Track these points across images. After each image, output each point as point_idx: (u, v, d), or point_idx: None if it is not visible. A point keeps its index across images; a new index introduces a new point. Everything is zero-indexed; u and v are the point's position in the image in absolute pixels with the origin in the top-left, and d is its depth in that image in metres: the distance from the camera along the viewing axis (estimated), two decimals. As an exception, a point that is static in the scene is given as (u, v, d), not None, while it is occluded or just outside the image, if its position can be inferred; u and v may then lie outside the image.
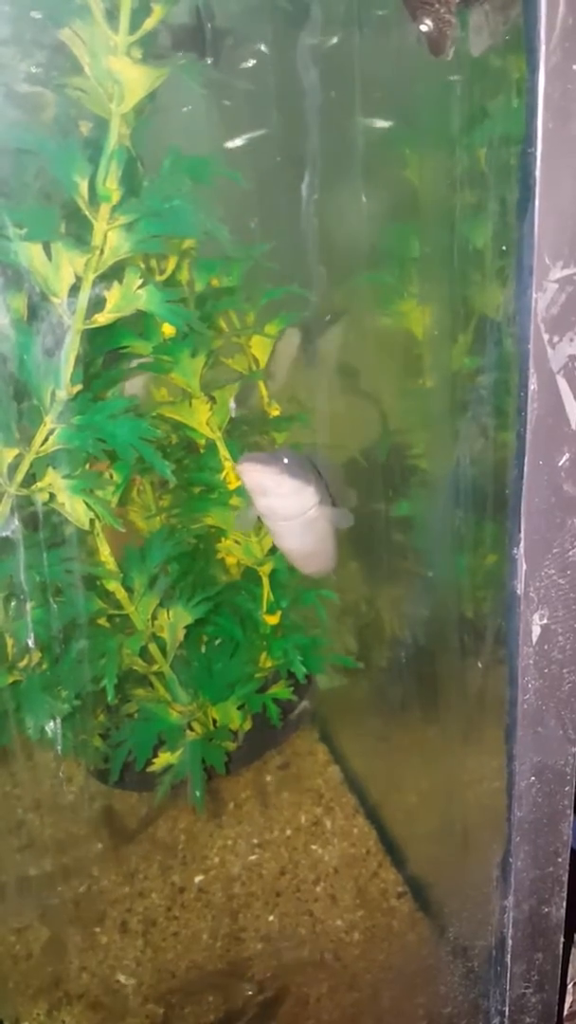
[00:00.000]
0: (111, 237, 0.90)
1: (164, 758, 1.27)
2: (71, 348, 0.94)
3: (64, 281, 0.90)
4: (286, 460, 1.18)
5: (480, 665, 1.33)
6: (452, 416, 1.42)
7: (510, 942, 1.21)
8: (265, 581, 1.34)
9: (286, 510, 1.21)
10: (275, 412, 1.44)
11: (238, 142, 1.42)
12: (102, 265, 0.92)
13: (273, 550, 1.33)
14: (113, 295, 0.93)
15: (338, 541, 1.38)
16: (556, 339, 0.89)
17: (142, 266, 0.96)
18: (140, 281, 0.93)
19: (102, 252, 0.91)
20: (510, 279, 0.95)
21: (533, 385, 0.90)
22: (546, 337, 0.89)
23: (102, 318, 0.94)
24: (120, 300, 0.93)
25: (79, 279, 0.92)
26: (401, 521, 1.60)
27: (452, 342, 1.41)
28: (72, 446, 0.99)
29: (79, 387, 0.97)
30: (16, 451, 1.00)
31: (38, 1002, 1.37)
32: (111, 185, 0.88)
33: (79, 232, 0.93)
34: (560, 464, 0.94)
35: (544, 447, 0.93)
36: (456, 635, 1.42)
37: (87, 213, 0.90)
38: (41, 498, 1.02)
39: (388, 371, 1.55)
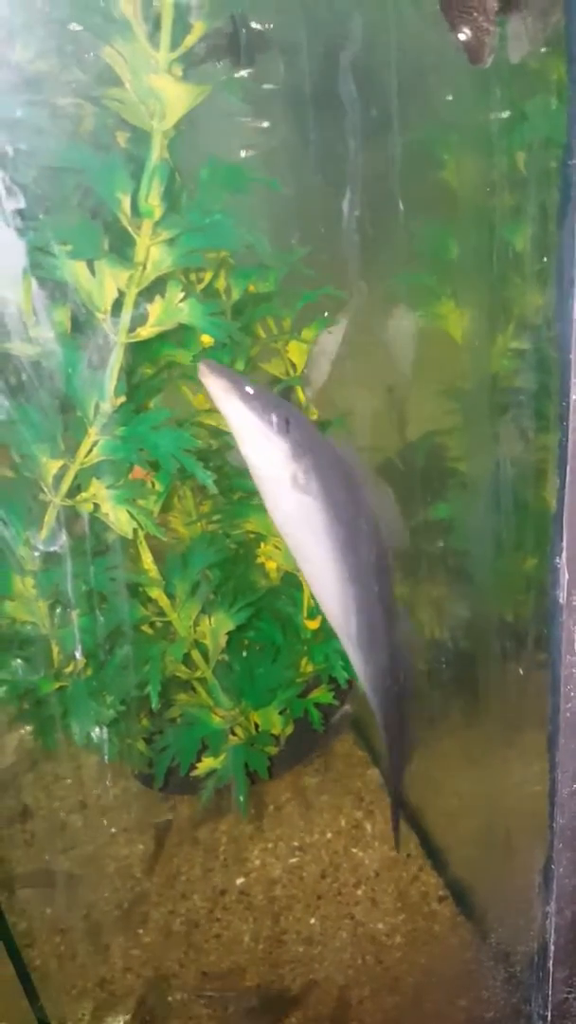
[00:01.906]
0: (153, 252, 0.92)
1: (207, 763, 1.28)
2: (115, 362, 0.96)
3: (107, 296, 0.92)
4: (250, 390, 0.96)
5: (521, 670, 1.32)
6: (491, 420, 1.42)
7: (552, 948, 1.21)
8: (305, 586, 1.35)
9: (253, 453, 0.99)
10: (313, 416, 1.44)
11: (272, 147, 1.43)
12: (144, 280, 0.93)
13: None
14: (155, 309, 0.94)
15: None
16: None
17: (183, 279, 0.97)
18: (182, 295, 0.94)
19: (145, 267, 0.92)
20: (550, 283, 0.95)
21: (574, 395, 0.90)
22: (589, 348, 0.88)
23: (145, 332, 0.96)
24: (162, 314, 0.94)
25: (122, 294, 0.93)
26: (441, 524, 1.60)
27: (491, 345, 1.40)
28: (115, 457, 1.01)
29: (122, 399, 0.99)
30: (61, 462, 1.01)
31: (82, 1002, 1.39)
32: (153, 202, 0.89)
33: (122, 247, 0.94)
34: (603, 474, 0.94)
35: (587, 455, 0.92)
36: (497, 639, 1.41)
37: (130, 229, 0.91)
38: (86, 508, 1.03)
39: (426, 373, 1.55)
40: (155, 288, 0.96)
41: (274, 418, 0.97)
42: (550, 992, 1.24)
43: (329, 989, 1.39)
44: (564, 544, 0.96)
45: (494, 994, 1.37)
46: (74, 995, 1.40)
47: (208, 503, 1.36)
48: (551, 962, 1.22)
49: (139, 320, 0.96)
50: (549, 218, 1.01)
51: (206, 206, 0.90)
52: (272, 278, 1.34)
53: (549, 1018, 1.26)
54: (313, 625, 1.36)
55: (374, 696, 1.24)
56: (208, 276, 1.17)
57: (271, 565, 1.42)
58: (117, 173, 0.88)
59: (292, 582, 1.39)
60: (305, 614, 1.35)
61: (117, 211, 0.89)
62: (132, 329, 0.96)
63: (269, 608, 1.36)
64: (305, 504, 1.03)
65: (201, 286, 1.22)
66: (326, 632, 1.34)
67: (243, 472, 1.31)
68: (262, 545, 1.35)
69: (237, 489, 1.31)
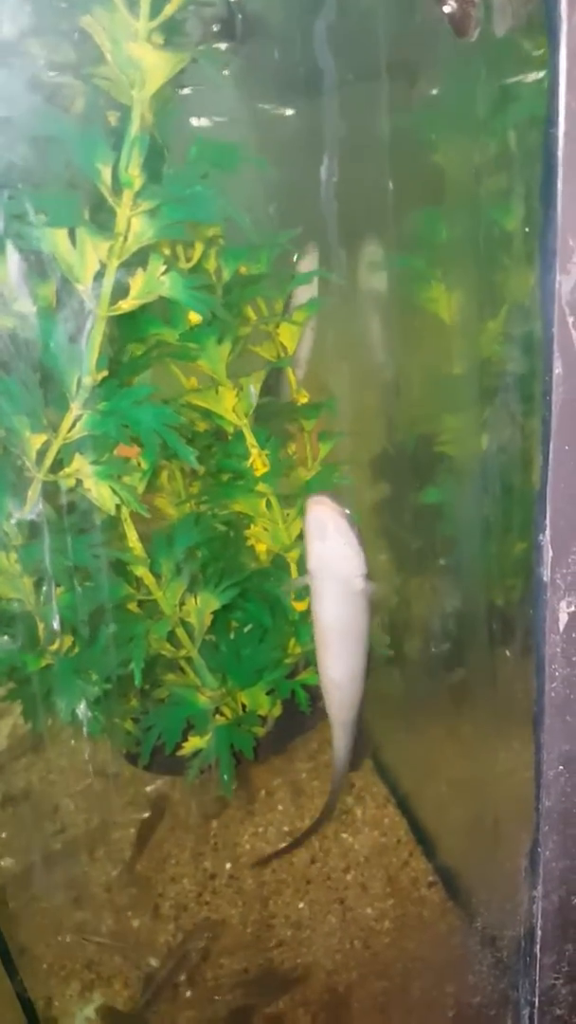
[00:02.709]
0: (134, 223, 0.91)
1: (194, 742, 1.28)
2: (96, 334, 0.95)
3: (88, 268, 0.91)
4: (348, 512, 1.16)
5: (509, 654, 1.32)
6: (480, 402, 1.41)
7: (539, 932, 1.20)
8: (293, 567, 1.35)
9: (338, 565, 1.16)
10: (303, 399, 1.44)
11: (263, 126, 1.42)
12: (126, 252, 0.92)
13: (300, 535, 1.33)
14: (137, 282, 0.94)
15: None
16: (581, 321, 0.87)
17: (168, 253, 0.97)
18: (163, 268, 0.93)
19: (126, 239, 0.92)
20: (534, 261, 0.94)
21: (558, 369, 0.89)
22: (571, 320, 0.87)
23: (126, 304, 0.95)
24: (144, 286, 0.94)
25: (103, 266, 0.93)
26: (429, 509, 1.60)
27: (479, 327, 1.39)
28: (98, 432, 1.00)
29: (104, 373, 0.98)
30: (44, 437, 1.01)
31: (70, 983, 1.39)
32: (133, 172, 0.88)
33: (103, 220, 0.94)
34: (587, 449, 0.93)
35: (570, 432, 0.91)
36: (485, 625, 1.41)
37: (110, 200, 0.91)
38: (68, 484, 1.03)
39: (414, 356, 1.54)
40: (139, 264, 0.96)
41: (356, 534, 1.16)
42: (537, 978, 1.23)
43: (317, 973, 1.38)
44: (548, 522, 0.96)
45: (482, 979, 1.37)
46: (61, 976, 1.40)
47: (197, 484, 1.35)
48: (538, 947, 1.21)
49: (123, 295, 0.96)
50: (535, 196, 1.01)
51: (188, 178, 0.89)
52: (264, 259, 1.34)
53: (536, 1004, 1.25)
54: (301, 607, 1.35)
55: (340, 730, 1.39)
56: (197, 254, 1.16)
57: (260, 547, 1.42)
58: (97, 143, 0.87)
59: (280, 564, 1.39)
60: (293, 595, 1.34)
61: (97, 182, 0.89)
62: (113, 302, 0.96)
63: (257, 589, 1.36)
64: (362, 604, 1.22)
65: (190, 264, 1.22)
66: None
67: (231, 453, 1.32)
68: (250, 527, 1.34)
69: (225, 470, 1.31)
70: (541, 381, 0.90)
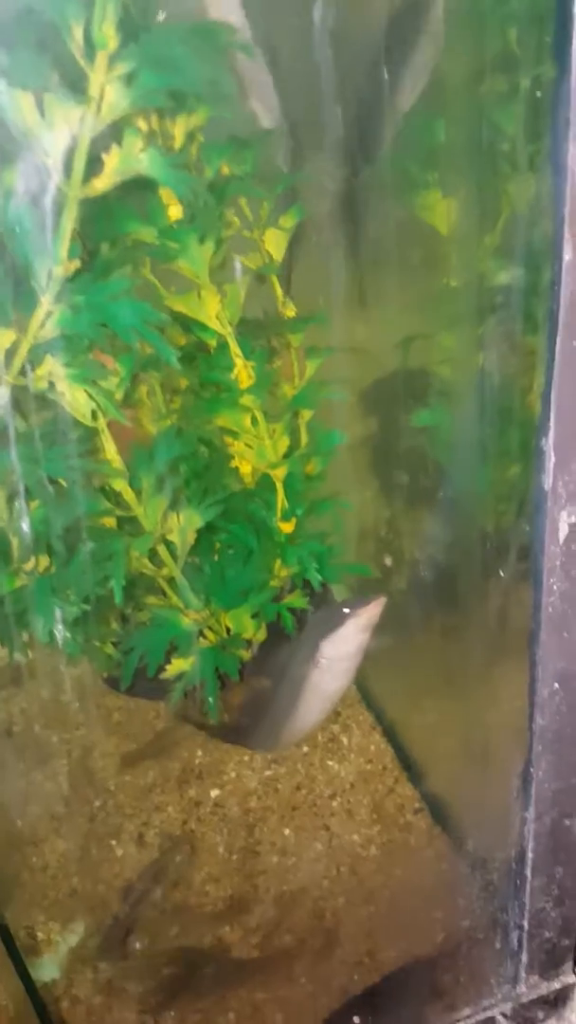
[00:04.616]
0: (108, 91, 0.83)
1: (177, 665, 1.24)
2: (67, 218, 0.88)
3: (58, 140, 0.83)
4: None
5: (502, 574, 1.28)
6: (480, 315, 1.35)
7: (530, 855, 1.18)
8: (279, 487, 1.29)
9: (350, 652, 1.34)
10: (290, 312, 1.37)
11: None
12: (100, 123, 0.85)
13: (287, 453, 1.27)
14: (112, 158, 0.86)
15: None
16: (594, 201, 0.81)
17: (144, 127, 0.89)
18: (141, 144, 0.86)
19: (99, 108, 0.84)
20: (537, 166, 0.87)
21: (568, 255, 0.82)
22: (583, 201, 0.81)
23: (100, 183, 0.87)
24: (120, 163, 0.86)
25: (75, 140, 0.85)
26: (422, 432, 1.54)
27: (480, 232, 1.32)
28: (72, 331, 0.93)
29: (76, 264, 0.91)
30: (12, 336, 0.94)
31: (53, 913, 1.37)
32: (108, 30, 0.80)
33: (76, 93, 0.85)
34: (596, 346, 0.87)
35: (578, 326, 0.86)
36: (476, 547, 1.37)
37: (82, 63, 0.83)
38: (39, 387, 0.96)
39: (409, 268, 1.47)
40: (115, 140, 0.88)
41: None
42: (527, 901, 1.22)
43: (303, 900, 1.37)
44: (551, 424, 0.90)
45: (471, 904, 1.35)
46: (44, 906, 1.38)
47: (178, 399, 1.29)
48: (528, 869, 1.20)
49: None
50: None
51: (169, 38, 0.81)
52: (249, 158, 1.25)
53: (526, 927, 1.24)
54: (288, 528, 1.30)
55: None
56: (179, 138, 1.08)
57: (245, 469, 1.36)
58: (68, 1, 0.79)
59: (267, 485, 1.33)
60: (279, 515, 1.29)
61: (68, 41, 0.80)
62: (87, 182, 0.88)
63: (242, 510, 1.30)
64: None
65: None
66: (301, 534, 1.29)
67: (214, 365, 1.25)
68: (234, 443, 1.28)
69: (209, 383, 1.24)
70: (550, 269, 0.84)
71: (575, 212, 0.81)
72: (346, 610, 1.29)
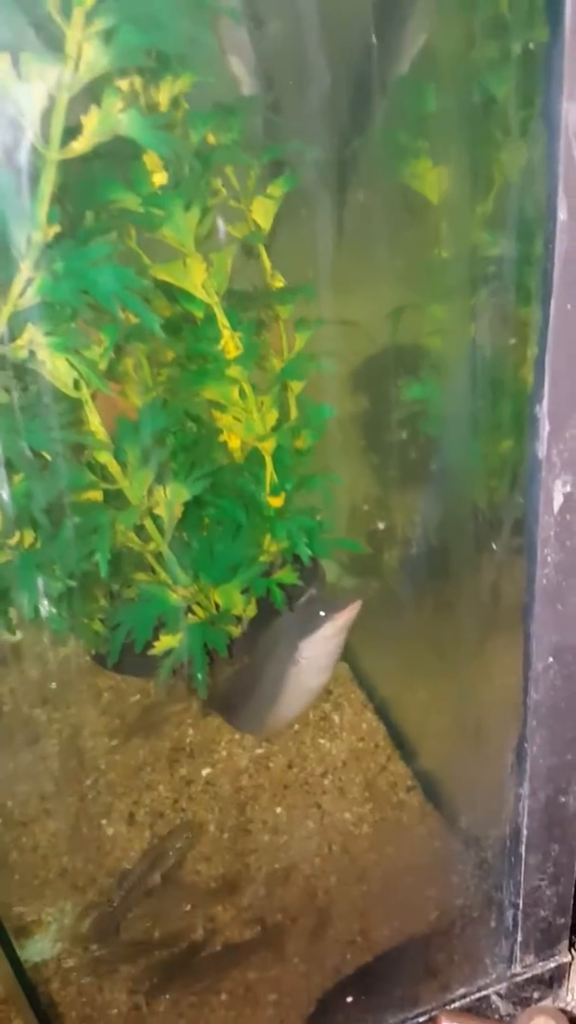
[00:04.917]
0: (86, 49, 0.80)
1: (165, 641, 1.22)
2: (46, 181, 0.85)
3: (36, 100, 0.80)
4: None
5: (495, 548, 1.26)
6: (472, 286, 1.32)
7: (525, 832, 1.17)
8: (268, 461, 1.27)
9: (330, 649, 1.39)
10: (278, 283, 1.34)
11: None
12: (78, 83, 0.82)
13: (276, 426, 1.25)
14: (91, 118, 0.83)
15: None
16: (589, 158, 0.78)
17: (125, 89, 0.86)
18: (121, 104, 0.83)
19: (77, 67, 0.81)
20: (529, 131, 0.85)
21: (562, 215, 0.80)
22: (578, 155, 0.78)
23: (79, 144, 0.85)
24: (99, 124, 0.83)
25: (53, 100, 0.82)
26: (412, 405, 1.52)
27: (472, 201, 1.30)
28: (53, 298, 0.91)
29: (56, 228, 0.88)
30: (-8, 303, 0.91)
31: (43, 893, 1.35)
32: (84, -16, 0.77)
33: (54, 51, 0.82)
34: (592, 310, 0.85)
35: (574, 288, 0.83)
36: (468, 522, 1.35)
37: (57, 19, 0.80)
38: (20, 356, 0.94)
39: (399, 238, 1.44)
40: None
41: None
42: (522, 879, 1.21)
43: (295, 878, 1.36)
44: (545, 391, 0.88)
45: (465, 882, 1.34)
46: (34, 886, 1.37)
47: (165, 372, 1.26)
48: (523, 847, 1.18)
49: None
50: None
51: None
52: (235, 125, 1.22)
53: (521, 905, 1.23)
54: (277, 502, 1.28)
55: None
56: (163, 101, 1.05)
57: (234, 443, 1.34)
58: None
59: (255, 459, 1.31)
60: (268, 490, 1.27)
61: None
62: (66, 144, 0.85)
63: (230, 485, 1.28)
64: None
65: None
66: (290, 508, 1.27)
67: (201, 336, 1.23)
68: (223, 417, 1.26)
69: (196, 355, 1.22)
70: (543, 228, 0.81)
71: (569, 170, 0.78)
72: (323, 613, 1.34)
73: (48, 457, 1.03)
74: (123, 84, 0.86)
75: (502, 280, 1.22)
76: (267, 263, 1.36)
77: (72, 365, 0.93)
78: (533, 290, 0.89)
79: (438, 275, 1.43)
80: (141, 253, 1.22)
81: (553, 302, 0.83)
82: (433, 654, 1.50)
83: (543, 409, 0.89)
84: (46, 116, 0.82)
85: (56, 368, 0.93)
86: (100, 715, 1.56)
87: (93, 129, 0.84)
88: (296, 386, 1.34)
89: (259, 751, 1.51)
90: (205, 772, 1.49)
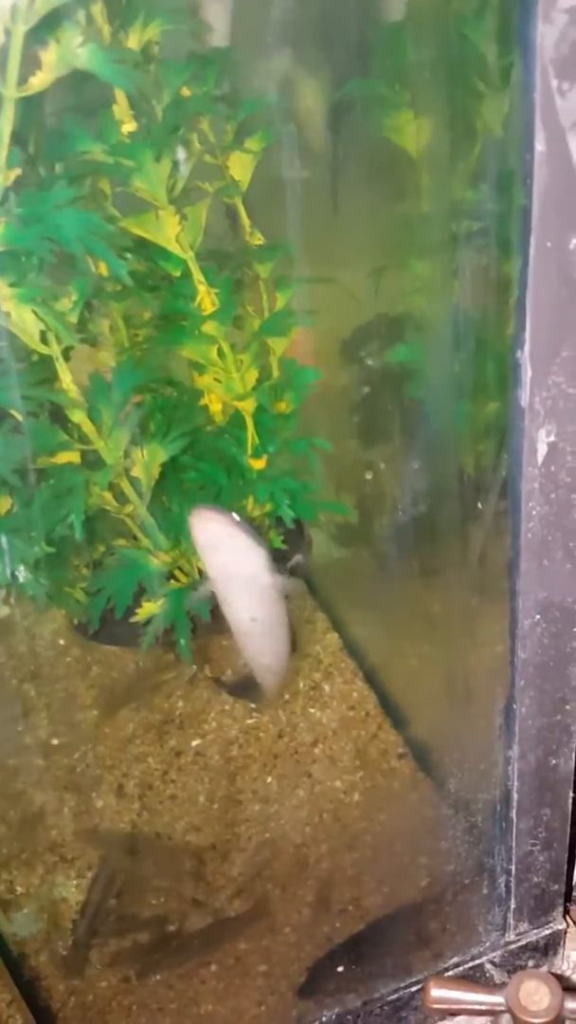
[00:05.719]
0: (41, -23, 0.77)
1: (147, 608, 1.19)
2: (4, 120, 0.82)
3: (-12, 33, 0.77)
4: (237, 516, 1.18)
5: (480, 507, 1.23)
6: (453, 242, 1.29)
7: (515, 796, 1.15)
8: (249, 421, 1.24)
9: (241, 568, 1.19)
10: (257, 241, 1.31)
11: None
12: (33, 15, 0.78)
13: (256, 386, 1.22)
14: (49, 53, 0.80)
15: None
16: (567, 86, 0.75)
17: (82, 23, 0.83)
18: (80, 38, 0.80)
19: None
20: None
21: (540, 146, 0.76)
22: (555, 83, 0.74)
23: (37, 80, 0.81)
24: (57, 58, 0.80)
25: (8, 35, 0.79)
26: (396, 368, 1.49)
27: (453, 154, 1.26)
28: (16, 246, 0.88)
29: (17, 171, 0.85)
30: (-47, 253, 0.88)
31: (33, 867, 1.34)
32: None
33: None
34: (572, 247, 0.81)
35: (553, 225, 0.79)
36: (454, 486, 1.33)
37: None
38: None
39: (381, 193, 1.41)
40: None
41: (249, 531, 1.18)
42: (514, 844, 1.19)
43: (286, 847, 1.34)
44: (527, 334, 0.85)
45: (456, 848, 1.32)
46: (24, 859, 1.35)
47: (143, 332, 1.23)
48: (514, 812, 1.16)
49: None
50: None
51: None
52: (211, 77, 1.19)
53: (513, 871, 1.21)
54: (259, 465, 1.25)
55: None
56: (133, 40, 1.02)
57: (215, 407, 1.31)
58: None
59: (236, 422, 1.28)
60: (250, 452, 1.24)
61: None
62: (23, 81, 0.82)
63: (212, 449, 1.25)
64: (274, 595, 1.26)
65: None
66: (273, 470, 1.24)
67: (176, 293, 1.20)
68: (202, 378, 1.23)
69: (169, 311, 1.18)
70: (521, 162, 0.78)
71: (546, 98, 0.75)
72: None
73: (18, 416, 1.00)
74: (84, 20, 0.83)
75: (486, 235, 1.19)
76: (246, 220, 1.32)
77: (39, 316, 0.90)
78: (516, 244, 0.86)
79: (421, 231, 1.40)
80: (113, 209, 1.18)
81: (533, 239, 0.80)
82: (422, 620, 1.48)
83: (525, 354, 0.86)
84: (2, 52, 0.79)
85: (22, 320, 0.90)
86: (89, 688, 1.54)
87: (51, 63, 0.80)
88: (278, 347, 1.31)
89: (249, 721, 1.49)
90: (195, 743, 1.47)
